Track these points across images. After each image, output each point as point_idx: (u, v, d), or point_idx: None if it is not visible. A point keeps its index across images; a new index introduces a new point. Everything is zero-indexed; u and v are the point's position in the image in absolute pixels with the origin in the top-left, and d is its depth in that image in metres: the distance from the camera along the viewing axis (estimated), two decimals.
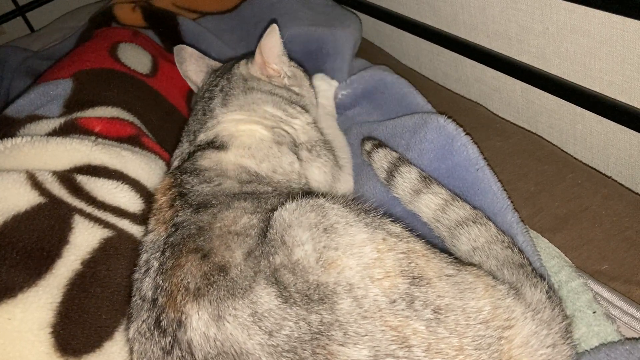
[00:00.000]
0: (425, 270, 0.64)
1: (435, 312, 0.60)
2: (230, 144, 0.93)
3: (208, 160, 0.90)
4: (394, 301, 0.60)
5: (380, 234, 0.67)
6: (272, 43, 1.07)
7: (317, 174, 1.00)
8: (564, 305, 0.73)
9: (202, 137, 0.97)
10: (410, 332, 0.58)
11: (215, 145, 0.93)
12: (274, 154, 0.94)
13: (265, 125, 0.97)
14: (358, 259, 0.63)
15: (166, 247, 0.75)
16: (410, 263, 0.64)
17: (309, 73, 1.21)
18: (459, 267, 0.67)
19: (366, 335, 0.58)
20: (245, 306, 0.62)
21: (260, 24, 1.50)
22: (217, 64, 1.22)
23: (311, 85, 1.17)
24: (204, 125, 0.99)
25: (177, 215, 0.79)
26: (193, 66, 1.22)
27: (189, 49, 1.22)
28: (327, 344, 0.58)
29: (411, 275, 0.63)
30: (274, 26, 1.05)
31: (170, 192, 0.85)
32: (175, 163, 0.97)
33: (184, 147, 0.99)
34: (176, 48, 1.22)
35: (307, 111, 1.08)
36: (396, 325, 0.58)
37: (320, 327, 0.59)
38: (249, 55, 1.12)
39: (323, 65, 1.39)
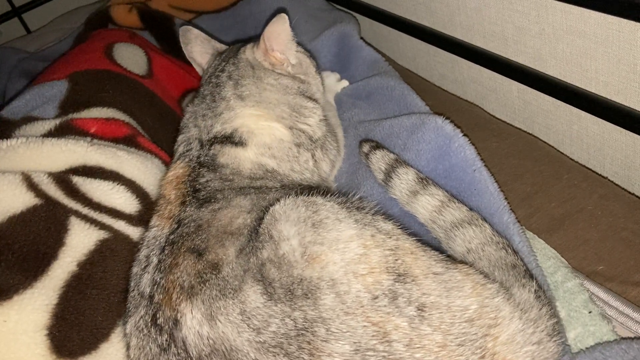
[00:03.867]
0: (412, 267, 0.64)
1: (419, 309, 0.60)
2: (249, 140, 0.93)
3: (227, 156, 0.90)
4: (376, 297, 0.61)
5: (369, 230, 0.67)
6: (278, 31, 1.04)
7: (325, 167, 1.03)
8: (554, 305, 0.73)
9: (219, 129, 0.95)
10: (392, 328, 0.59)
11: (233, 140, 0.93)
12: (293, 155, 0.95)
13: (284, 125, 0.98)
14: (342, 254, 0.64)
15: (166, 244, 0.76)
16: (396, 260, 0.65)
17: (316, 59, 1.20)
18: (448, 265, 0.67)
19: (348, 331, 0.59)
20: (234, 305, 0.63)
21: (257, 23, 1.50)
22: (223, 47, 1.20)
23: (317, 72, 1.16)
24: (217, 114, 0.97)
25: (183, 211, 0.80)
26: (198, 47, 1.20)
27: (195, 31, 1.20)
28: (312, 340, 0.59)
29: (396, 272, 0.63)
30: (283, 15, 1.01)
31: (184, 188, 0.85)
32: (181, 149, 0.96)
33: (191, 132, 0.98)
34: (182, 29, 1.20)
35: (316, 101, 1.07)
36: (377, 321, 0.59)
37: (304, 323, 0.60)
38: (256, 39, 1.10)
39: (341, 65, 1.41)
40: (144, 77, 1.21)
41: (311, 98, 1.07)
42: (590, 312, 0.77)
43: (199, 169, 0.88)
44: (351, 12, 1.66)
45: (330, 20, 1.51)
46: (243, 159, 0.90)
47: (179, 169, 0.90)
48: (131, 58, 1.23)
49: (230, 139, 0.93)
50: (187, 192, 0.84)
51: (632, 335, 0.76)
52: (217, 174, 0.87)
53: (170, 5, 1.62)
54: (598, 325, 0.75)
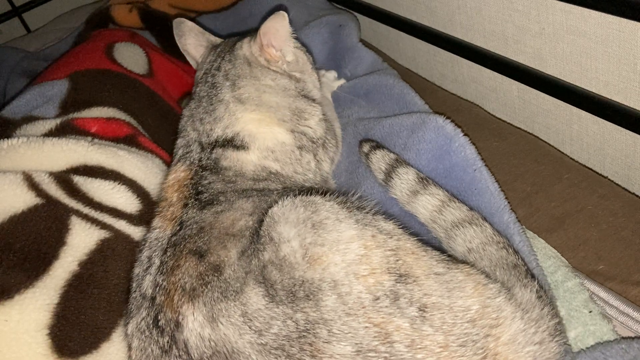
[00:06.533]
0: (413, 268, 0.64)
1: (420, 310, 0.60)
2: (251, 144, 0.92)
3: (229, 160, 0.90)
4: (378, 298, 0.61)
5: (369, 230, 0.67)
6: (276, 28, 1.02)
7: (326, 166, 1.03)
8: (555, 305, 0.73)
9: (219, 133, 0.94)
10: (393, 329, 0.59)
11: (235, 144, 0.92)
12: (296, 157, 0.95)
13: (286, 128, 0.97)
14: (343, 255, 0.64)
15: (168, 246, 0.76)
16: (397, 260, 0.65)
17: (314, 57, 1.19)
18: (449, 266, 0.67)
19: (349, 333, 0.59)
20: (236, 307, 0.63)
21: (257, 23, 1.50)
22: (218, 40, 1.18)
23: (314, 68, 1.14)
24: (217, 118, 0.96)
25: (185, 213, 0.80)
26: (192, 40, 1.18)
27: (189, 23, 1.18)
28: (314, 342, 0.59)
29: (397, 272, 0.63)
30: (283, 13, 0.99)
31: (187, 190, 0.85)
32: (180, 152, 0.95)
33: (190, 136, 0.97)
34: (175, 21, 1.18)
35: (314, 101, 1.06)
36: (379, 322, 0.59)
37: (306, 325, 0.60)
38: (253, 34, 1.07)
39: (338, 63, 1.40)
40: (144, 77, 1.21)
41: (309, 97, 1.06)
42: (590, 312, 0.77)
43: (201, 172, 0.88)
44: (351, 11, 1.66)
45: (330, 18, 1.51)
46: (246, 162, 0.90)
47: (180, 172, 0.90)
48: (132, 58, 1.23)
49: (232, 143, 0.93)
50: (190, 194, 0.84)
51: (633, 335, 0.76)
52: (220, 175, 0.87)
53: (171, 5, 1.62)
54: (598, 325, 0.75)
